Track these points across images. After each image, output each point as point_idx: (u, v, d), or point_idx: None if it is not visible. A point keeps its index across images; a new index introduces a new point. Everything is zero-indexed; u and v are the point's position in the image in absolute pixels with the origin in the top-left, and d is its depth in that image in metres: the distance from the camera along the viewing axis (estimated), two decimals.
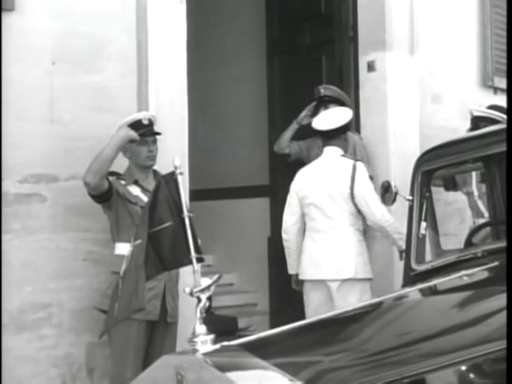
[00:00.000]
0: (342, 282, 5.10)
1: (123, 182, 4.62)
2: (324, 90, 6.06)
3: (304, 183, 5.34)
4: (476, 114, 5.97)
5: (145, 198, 4.42)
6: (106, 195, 4.52)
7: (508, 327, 2.55)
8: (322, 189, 5.24)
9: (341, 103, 5.97)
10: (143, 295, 3.03)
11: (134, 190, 4.61)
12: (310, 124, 5.69)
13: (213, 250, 7.67)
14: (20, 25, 4.59)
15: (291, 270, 5.47)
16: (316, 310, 5.07)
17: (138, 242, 3.01)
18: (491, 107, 6.06)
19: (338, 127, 5.32)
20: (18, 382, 4.50)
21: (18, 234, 4.54)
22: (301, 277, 5.32)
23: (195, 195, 5.66)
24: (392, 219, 5.16)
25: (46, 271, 4.63)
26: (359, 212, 5.22)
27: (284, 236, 5.43)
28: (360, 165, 5.31)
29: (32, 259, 4.58)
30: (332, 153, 5.35)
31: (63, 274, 4.69)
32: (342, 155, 5.38)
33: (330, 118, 5.39)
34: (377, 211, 5.12)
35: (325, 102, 6.01)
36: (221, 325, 6.54)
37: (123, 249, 4.19)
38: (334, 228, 5.20)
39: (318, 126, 5.38)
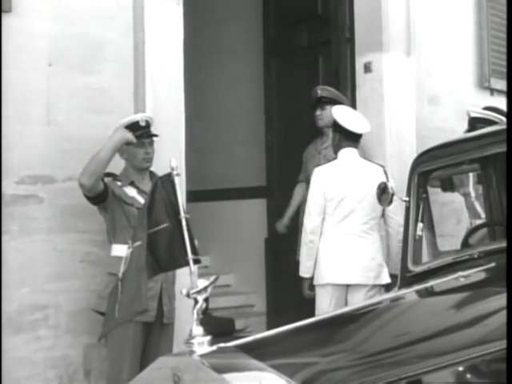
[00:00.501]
0: (373, 287, 5.11)
1: (119, 183, 4.62)
2: (321, 90, 6.06)
3: (332, 184, 5.21)
4: (473, 115, 5.98)
5: (141, 200, 4.42)
6: (101, 197, 4.51)
7: (508, 328, 2.55)
8: (359, 193, 5.16)
9: (338, 104, 5.97)
10: (146, 297, 3.03)
11: (130, 192, 4.61)
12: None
13: (209, 252, 7.67)
14: (17, 26, 4.58)
15: (307, 274, 5.24)
16: None
17: (138, 243, 3.01)
18: (487, 108, 6.07)
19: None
20: (15, 383, 4.50)
21: (14, 236, 4.53)
22: (324, 280, 5.15)
23: (192, 196, 5.66)
24: None
25: (42, 272, 4.62)
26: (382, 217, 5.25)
27: (311, 237, 5.20)
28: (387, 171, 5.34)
29: (29, 260, 4.57)
30: (351, 154, 5.28)
31: (60, 275, 4.68)
32: (361, 157, 5.36)
33: (362, 120, 5.36)
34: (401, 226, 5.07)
35: (322, 103, 6.02)
36: (218, 326, 6.53)
37: (120, 250, 4.20)
38: (369, 233, 5.17)
39: (356, 129, 5.25)
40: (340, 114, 5.34)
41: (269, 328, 5.01)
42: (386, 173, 5.24)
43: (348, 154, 5.29)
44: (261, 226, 7.59)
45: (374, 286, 5.12)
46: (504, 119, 5.76)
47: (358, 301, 5.04)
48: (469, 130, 5.74)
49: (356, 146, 5.31)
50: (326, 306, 5.12)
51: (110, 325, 3.56)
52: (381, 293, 5.14)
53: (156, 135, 4.72)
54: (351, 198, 5.16)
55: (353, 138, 5.28)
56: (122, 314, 3.14)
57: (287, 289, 5.74)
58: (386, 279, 5.15)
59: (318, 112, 6.04)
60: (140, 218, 3.10)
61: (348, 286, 5.13)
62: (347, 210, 5.16)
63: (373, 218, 5.19)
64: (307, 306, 5.35)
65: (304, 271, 5.25)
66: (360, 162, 5.31)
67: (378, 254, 5.19)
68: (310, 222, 5.24)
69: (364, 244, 5.16)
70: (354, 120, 5.31)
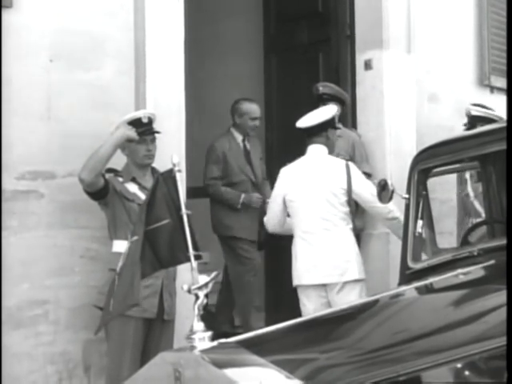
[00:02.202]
0: (344, 284, 5.00)
1: (121, 179, 4.62)
2: (322, 87, 6.05)
3: (291, 184, 5.20)
4: (473, 113, 5.98)
5: (142, 196, 4.42)
6: (101, 192, 4.52)
7: (508, 326, 2.55)
8: (314, 190, 5.11)
9: (340, 101, 5.97)
10: (138, 291, 3.03)
11: (132, 188, 4.61)
12: None
13: (209, 248, 7.65)
14: (18, 22, 4.58)
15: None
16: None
17: (135, 238, 3.02)
18: (476, 106, 6.07)
19: (317, 124, 5.18)
20: (14, 379, 4.50)
21: (14, 231, 4.54)
22: (296, 282, 5.16)
23: (192, 193, 5.67)
24: (397, 210, 4.94)
25: (43, 268, 4.63)
26: (352, 212, 5.15)
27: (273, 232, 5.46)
28: (352, 164, 5.27)
29: (29, 256, 4.57)
30: (316, 151, 5.23)
31: (60, 271, 4.69)
32: (330, 154, 5.27)
33: (312, 116, 5.27)
34: (380, 204, 4.69)
35: (323, 100, 6.00)
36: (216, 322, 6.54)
37: (120, 246, 4.20)
38: (330, 229, 5.06)
39: (299, 124, 5.25)
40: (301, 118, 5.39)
41: (268, 324, 5.01)
42: (347, 166, 5.15)
43: (311, 151, 5.26)
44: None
45: (346, 282, 5.00)
46: (499, 116, 5.76)
47: (332, 299, 5.01)
48: (468, 128, 5.75)
49: (317, 142, 5.22)
50: (306, 307, 5.11)
51: (105, 318, 3.58)
52: (362, 288, 5.04)
53: (158, 132, 4.72)
54: (308, 196, 5.12)
55: (306, 134, 5.25)
56: (115, 308, 3.15)
57: (286, 285, 5.72)
58: (353, 275, 5.01)
59: None
60: (139, 213, 3.12)
61: (324, 284, 5.05)
62: (306, 209, 5.12)
63: (335, 214, 5.08)
64: None
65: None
66: (321, 159, 5.23)
67: (344, 250, 5.06)
68: (267, 223, 5.40)
69: (327, 241, 5.06)
70: (303, 117, 5.30)
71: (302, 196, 5.15)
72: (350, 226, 5.17)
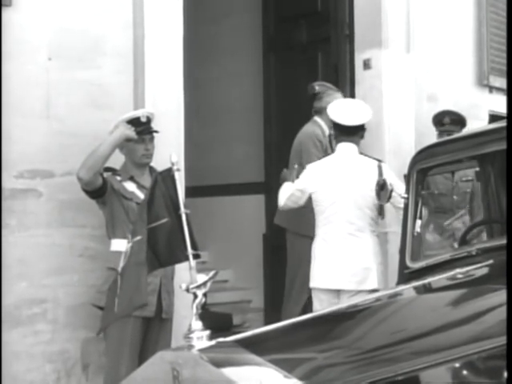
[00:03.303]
0: (358, 292, 4.81)
1: (119, 178, 4.62)
2: (319, 86, 6.04)
3: (319, 181, 5.00)
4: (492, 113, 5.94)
5: (140, 195, 4.43)
6: (99, 191, 4.52)
7: (508, 326, 2.55)
8: (344, 191, 4.92)
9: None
10: (146, 291, 3.05)
11: (130, 186, 4.61)
12: None
13: (208, 247, 7.68)
14: (17, 20, 4.59)
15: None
16: None
17: (138, 238, 3.02)
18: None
19: (363, 123, 5.03)
20: (12, 378, 4.50)
21: (13, 230, 4.54)
22: (312, 284, 5.01)
23: (190, 192, 5.68)
24: None
25: (41, 267, 4.63)
26: (381, 216, 4.95)
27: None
28: (385, 165, 5.05)
29: (27, 255, 4.58)
30: (348, 150, 5.03)
31: (59, 269, 4.69)
32: (360, 153, 5.08)
33: (356, 113, 5.04)
34: None
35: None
36: (215, 321, 6.53)
37: (119, 245, 4.22)
38: (353, 234, 4.90)
39: (343, 121, 4.99)
40: (333, 107, 5.13)
41: (266, 324, 5.02)
42: (380, 167, 4.93)
43: (343, 149, 5.05)
44: (259, 222, 7.59)
45: (361, 291, 4.82)
46: None
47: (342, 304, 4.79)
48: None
49: (353, 141, 5.02)
50: (317, 309, 4.95)
51: (109, 319, 3.58)
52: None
53: (157, 131, 4.72)
54: (336, 197, 4.93)
55: (346, 132, 5.01)
56: (121, 308, 3.16)
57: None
58: (373, 285, 4.85)
59: None
60: (140, 212, 3.12)
61: (338, 290, 4.91)
62: (332, 210, 4.94)
63: (361, 218, 4.92)
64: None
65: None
66: (353, 159, 5.03)
67: (365, 257, 4.89)
68: (284, 205, 5.13)
69: (348, 246, 4.90)
70: (343, 112, 5.04)
71: (329, 197, 4.95)
72: (376, 232, 5.01)
